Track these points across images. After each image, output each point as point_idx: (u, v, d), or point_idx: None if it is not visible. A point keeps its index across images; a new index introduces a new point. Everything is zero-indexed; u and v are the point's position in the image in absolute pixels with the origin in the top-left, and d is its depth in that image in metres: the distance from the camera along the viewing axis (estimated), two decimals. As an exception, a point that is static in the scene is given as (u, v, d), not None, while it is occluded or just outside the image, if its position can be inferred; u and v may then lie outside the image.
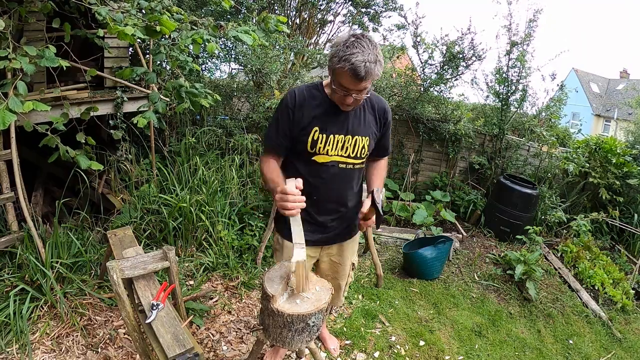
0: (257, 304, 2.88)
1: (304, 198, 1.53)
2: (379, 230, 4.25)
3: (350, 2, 6.00)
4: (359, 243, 2.41)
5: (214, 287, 2.96)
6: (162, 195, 3.31)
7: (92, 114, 2.68)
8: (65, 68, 2.25)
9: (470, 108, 6.30)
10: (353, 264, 2.13)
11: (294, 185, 1.53)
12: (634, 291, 3.78)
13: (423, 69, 5.11)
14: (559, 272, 4.00)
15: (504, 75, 4.84)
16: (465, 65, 4.88)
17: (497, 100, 5.01)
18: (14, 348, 2.15)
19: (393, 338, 2.72)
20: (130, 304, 1.89)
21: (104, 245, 3.01)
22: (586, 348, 2.98)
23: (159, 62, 3.76)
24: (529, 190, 4.39)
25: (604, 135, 6.69)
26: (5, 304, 2.27)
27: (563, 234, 4.65)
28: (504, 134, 5.02)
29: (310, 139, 1.69)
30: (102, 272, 2.74)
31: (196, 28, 2.45)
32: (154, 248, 3.10)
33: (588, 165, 4.78)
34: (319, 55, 5.46)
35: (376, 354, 2.54)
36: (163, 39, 2.65)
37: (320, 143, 1.70)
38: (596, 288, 3.79)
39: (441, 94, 5.18)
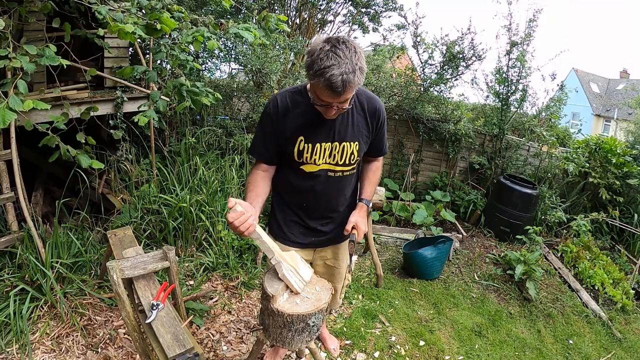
0: (257, 304, 2.87)
1: (248, 217, 1.44)
2: (379, 230, 4.25)
3: (350, 2, 6.00)
4: (358, 243, 2.40)
5: (214, 287, 2.96)
6: (162, 195, 3.31)
7: (92, 114, 2.68)
8: (65, 67, 2.25)
9: (470, 108, 6.30)
10: (349, 266, 2.11)
11: (231, 209, 1.43)
12: (634, 291, 3.78)
13: (423, 69, 5.11)
14: (559, 272, 4.00)
15: (504, 75, 4.84)
16: (465, 65, 4.88)
17: (497, 100, 5.01)
18: (14, 348, 2.15)
19: (393, 338, 2.72)
20: (130, 304, 1.89)
21: (104, 245, 3.00)
22: (586, 348, 2.98)
23: (159, 62, 3.77)
24: (529, 190, 4.39)
25: (604, 135, 6.69)
26: (5, 304, 2.27)
27: (563, 234, 4.65)
28: (504, 134, 5.02)
29: (296, 149, 1.62)
30: (102, 272, 2.73)
31: (196, 26, 2.45)
32: (154, 248, 3.10)
33: (588, 165, 4.78)
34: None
35: (376, 354, 2.54)
36: (163, 38, 2.65)
37: (307, 153, 1.63)
38: (596, 288, 3.79)
39: (441, 94, 5.18)
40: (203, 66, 4.82)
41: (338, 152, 1.67)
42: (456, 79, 5.03)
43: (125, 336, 2.38)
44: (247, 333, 2.59)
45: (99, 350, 2.26)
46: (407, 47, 5.25)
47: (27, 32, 2.68)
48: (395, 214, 4.51)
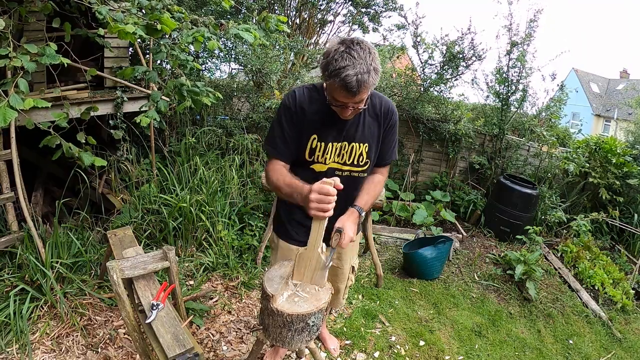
0: (257, 304, 2.87)
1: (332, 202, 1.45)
2: (379, 230, 4.25)
3: (350, 2, 6.00)
4: (359, 243, 2.40)
5: (214, 287, 2.96)
6: (162, 195, 3.31)
7: (92, 113, 2.68)
8: (65, 66, 2.25)
9: (470, 108, 6.29)
10: (353, 267, 2.11)
11: (332, 185, 1.43)
12: (634, 291, 3.78)
13: (423, 69, 5.11)
14: (559, 272, 4.00)
15: (504, 75, 4.84)
16: (465, 65, 4.88)
17: (497, 100, 5.01)
18: (14, 348, 2.15)
19: (393, 338, 2.72)
20: (130, 304, 1.89)
21: (104, 245, 3.00)
22: (586, 348, 2.98)
23: (159, 62, 3.77)
24: (529, 190, 4.39)
25: (604, 135, 6.69)
26: (5, 304, 2.27)
27: (563, 234, 4.65)
28: (504, 134, 5.02)
29: (308, 147, 1.63)
30: (102, 272, 2.73)
31: (197, 27, 2.45)
32: (154, 248, 3.10)
33: (588, 165, 4.78)
34: (319, 56, 5.46)
35: (376, 354, 2.54)
36: (164, 38, 2.65)
37: (319, 151, 1.64)
38: (596, 288, 3.79)
39: (441, 94, 5.18)
40: (203, 66, 4.82)
41: (347, 152, 1.67)
42: (456, 79, 5.03)
43: (125, 336, 2.38)
44: (247, 333, 2.59)
45: (99, 350, 2.26)
46: (407, 47, 5.25)
47: (27, 32, 2.68)
48: (395, 214, 4.51)
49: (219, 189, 3.52)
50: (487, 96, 5.14)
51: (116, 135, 3.23)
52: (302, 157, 1.66)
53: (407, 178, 4.87)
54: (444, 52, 4.82)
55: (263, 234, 3.37)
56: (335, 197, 1.45)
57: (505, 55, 4.78)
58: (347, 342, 2.61)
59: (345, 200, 1.74)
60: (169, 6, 2.33)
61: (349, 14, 6.20)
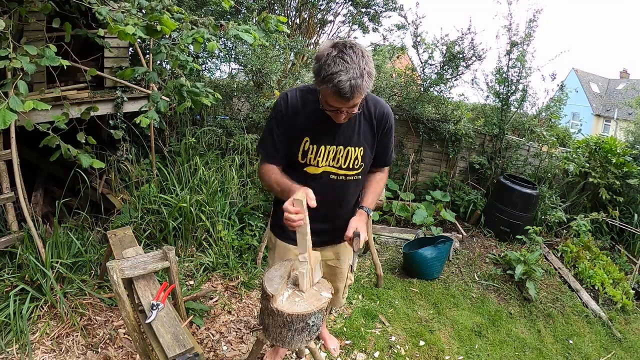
0: (257, 304, 2.87)
1: (304, 213, 1.46)
2: (379, 230, 4.25)
3: (350, 2, 6.00)
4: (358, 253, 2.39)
5: (214, 287, 2.96)
6: (162, 195, 3.31)
7: (92, 114, 2.68)
8: (65, 67, 2.25)
9: (470, 108, 6.30)
10: (351, 266, 2.11)
11: (302, 203, 1.45)
12: (634, 291, 3.78)
13: (423, 69, 5.11)
14: (559, 272, 4.00)
15: (504, 75, 4.84)
16: (465, 65, 4.88)
17: (497, 100, 5.01)
18: (14, 348, 2.15)
19: (393, 338, 2.72)
20: (130, 304, 1.89)
21: (104, 245, 3.00)
22: (586, 348, 2.98)
23: (159, 62, 3.76)
24: (529, 190, 4.39)
25: (604, 135, 6.69)
26: (5, 304, 2.27)
27: (563, 234, 4.65)
28: (504, 134, 5.02)
29: (301, 150, 1.63)
30: (102, 272, 2.73)
31: (196, 27, 2.45)
32: (154, 248, 3.10)
33: (588, 165, 4.78)
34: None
35: (376, 354, 2.54)
36: (163, 39, 2.65)
37: (311, 154, 1.63)
38: (596, 288, 3.79)
39: (441, 94, 5.18)
40: (203, 66, 4.82)
41: (342, 156, 1.66)
42: (456, 79, 5.04)
43: (125, 336, 2.38)
44: (247, 333, 2.59)
45: (99, 350, 2.27)
46: (407, 47, 5.25)
47: (27, 32, 2.68)
48: (395, 214, 4.51)
49: (219, 189, 3.52)
50: (487, 96, 5.14)
51: (116, 135, 3.23)
52: (295, 160, 1.66)
53: (407, 178, 4.87)
54: (444, 52, 4.82)
55: (263, 234, 3.37)
56: (306, 212, 1.46)
57: (505, 55, 4.78)
58: (347, 342, 2.61)
59: (340, 203, 1.76)
60: (168, 7, 2.33)
61: (349, 14, 6.20)
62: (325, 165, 1.67)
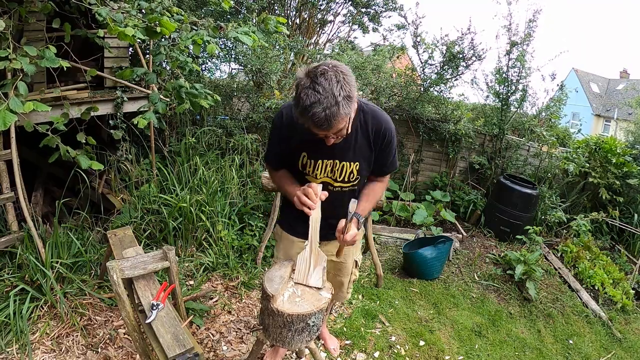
0: (257, 304, 2.88)
1: (317, 201, 1.58)
2: (379, 230, 4.25)
3: (350, 2, 6.01)
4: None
5: (214, 287, 2.97)
6: (162, 195, 3.31)
7: (92, 114, 2.69)
8: (65, 68, 2.25)
9: (470, 108, 6.30)
10: (356, 262, 2.13)
11: (317, 189, 1.58)
12: (634, 291, 3.78)
13: (423, 69, 5.11)
14: (559, 272, 4.00)
15: (504, 75, 4.84)
16: (465, 65, 4.88)
17: (497, 100, 5.01)
18: (14, 348, 2.15)
19: (393, 338, 2.72)
20: (130, 304, 1.89)
21: (104, 245, 3.01)
22: (586, 348, 2.98)
23: (159, 63, 3.76)
24: (529, 190, 4.39)
25: (604, 135, 6.69)
26: (5, 304, 2.27)
27: (563, 234, 4.65)
28: (504, 134, 5.02)
29: (300, 163, 1.71)
30: (102, 272, 2.74)
31: (196, 29, 2.45)
32: (154, 248, 3.10)
33: (588, 165, 4.78)
34: (319, 55, 5.47)
35: (376, 354, 2.54)
36: (163, 40, 2.65)
37: (309, 167, 1.70)
38: (596, 288, 3.79)
39: (441, 94, 5.18)
40: (203, 66, 4.82)
41: (338, 170, 1.71)
42: (456, 79, 5.03)
43: (125, 336, 2.39)
44: (247, 333, 2.59)
45: (99, 350, 2.27)
46: (407, 47, 5.25)
47: (27, 33, 2.68)
48: (395, 214, 4.51)
49: (219, 189, 3.52)
50: (487, 96, 5.14)
51: (116, 136, 3.23)
52: (297, 168, 1.74)
53: (407, 178, 4.87)
54: (444, 52, 4.82)
55: (263, 234, 3.37)
56: (319, 196, 1.59)
57: (505, 55, 4.78)
58: (347, 342, 2.61)
59: (337, 211, 1.76)
60: (168, 8, 2.33)
61: (349, 14, 6.21)
62: (323, 177, 1.73)
